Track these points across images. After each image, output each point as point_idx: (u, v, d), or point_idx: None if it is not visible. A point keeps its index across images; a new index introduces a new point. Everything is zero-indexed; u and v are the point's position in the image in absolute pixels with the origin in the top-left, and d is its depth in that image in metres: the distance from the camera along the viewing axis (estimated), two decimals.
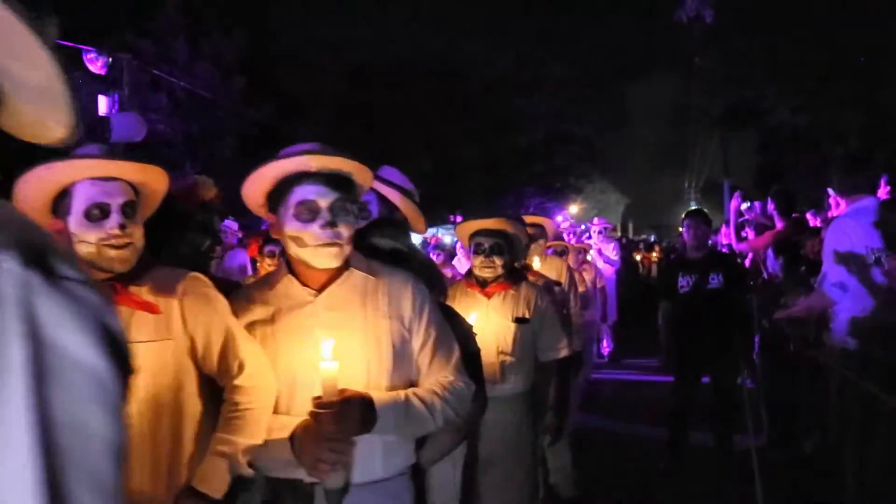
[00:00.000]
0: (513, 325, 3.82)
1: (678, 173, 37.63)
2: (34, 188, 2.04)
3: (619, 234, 33.20)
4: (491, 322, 3.81)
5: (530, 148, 32.94)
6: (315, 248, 2.08)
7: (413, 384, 2.21)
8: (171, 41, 19.76)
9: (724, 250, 8.00)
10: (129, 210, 2.10)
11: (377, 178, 3.19)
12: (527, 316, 3.85)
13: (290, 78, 21.79)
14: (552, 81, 33.61)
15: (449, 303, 3.88)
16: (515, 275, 3.98)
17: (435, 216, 18.43)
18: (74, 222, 2.05)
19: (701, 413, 5.97)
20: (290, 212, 2.09)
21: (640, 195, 40.49)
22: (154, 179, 2.21)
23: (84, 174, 2.06)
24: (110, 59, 15.71)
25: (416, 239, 3.62)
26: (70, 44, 15.13)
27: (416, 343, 2.21)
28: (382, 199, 3.05)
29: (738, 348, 5.85)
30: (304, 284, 2.18)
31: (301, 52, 21.87)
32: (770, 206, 6.67)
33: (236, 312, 2.21)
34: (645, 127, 38.65)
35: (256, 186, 2.17)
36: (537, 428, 3.95)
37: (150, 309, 2.08)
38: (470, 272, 3.98)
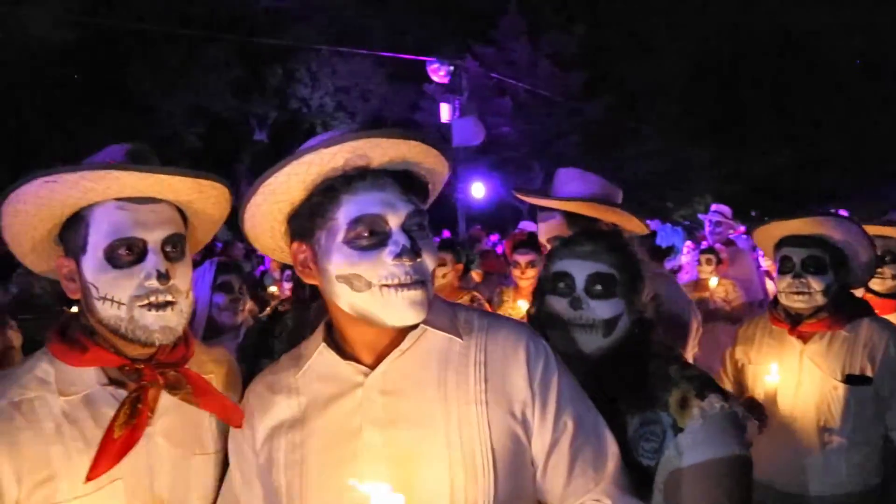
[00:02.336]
0: (842, 387, 2.47)
1: None
2: (30, 213, 1.37)
3: None
4: (808, 379, 2.53)
5: None
6: (383, 290, 1.29)
7: None
8: (511, 44, 20.04)
9: None
10: (173, 249, 1.41)
11: (554, 197, 2.38)
12: (867, 373, 2.46)
13: (631, 70, 20.65)
14: None
15: (742, 346, 2.69)
16: (849, 307, 2.58)
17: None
18: (92, 267, 1.37)
19: None
20: (338, 237, 1.31)
21: None
22: (212, 201, 1.48)
23: (106, 193, 1.36)
24: (452, 68, 16.32)
25: None
26: (414, 56, 16.06)
27: (540, 444, 1.37)
28: (572, 217, 2.46)
29: None
30: (349, 357, 1.39)
31: (642, 43, 20.55)
32: None
33: (252, 414, 1.45)
34: None
35: (273, 206, 1.38)
36: None
37: (236, 419, 1.46)
38: (776, 301, 2.69)
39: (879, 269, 3.00)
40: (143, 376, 1.39)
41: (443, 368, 1.37)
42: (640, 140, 20.54)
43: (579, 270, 1.74)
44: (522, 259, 4.31)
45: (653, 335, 1.82)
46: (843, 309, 2.54)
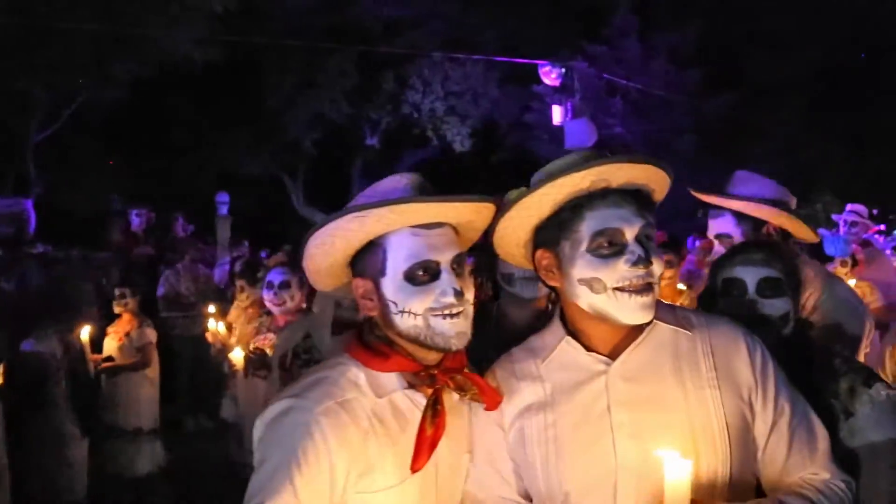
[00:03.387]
0: None
1: None
2: (336, 243, 1.62)
3: None
4: None
5: None
6: (619, 293, 1.56)
7: (757, 489, 1.63)
8: (623, 43, 19.69)
9: None
10: (458, 266, 1.64)
11: (727, 195, 2.51)
12: None
13: (754, 65, 19.80)
14: None
15: None
16: None
17: None
18: (392, 287, 1.60)
19: None
20: (582, 246, 1.59)
21: None
22: (483, 217, 1.72)
23: (402, 222, 1.59)
24: (563, 70, 16.28)
25: None
26: (525, 60, 16.12)
27: (762, 424, 1.62)
28: (741, 217, 2.62)
29: None
30: (589, 349, 1.65)
31: (768, 36, 19.63)
32: None
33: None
34: None
35: (524, 220, 1.66)
36: None
37: (494, 400, 1.66)
38: None
39: None
40: (435, 380, 1.61)
41: (675, 358, 1.61)
42: (763, 137, 19.66)
43: (751, 276, 1.97)
44: None
45: (812, 333, 1.98)
46: None
